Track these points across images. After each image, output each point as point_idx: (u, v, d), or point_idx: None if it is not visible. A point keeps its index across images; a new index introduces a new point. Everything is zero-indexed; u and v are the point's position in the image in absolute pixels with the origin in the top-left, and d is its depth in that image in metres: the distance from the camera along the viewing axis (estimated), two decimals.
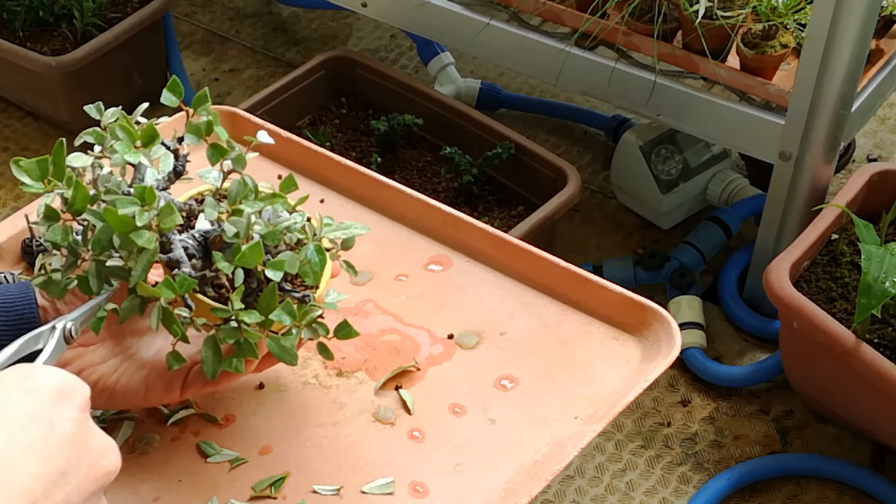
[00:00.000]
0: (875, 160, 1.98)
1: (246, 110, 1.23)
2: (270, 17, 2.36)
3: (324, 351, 0.86)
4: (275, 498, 0.88)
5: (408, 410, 0.94)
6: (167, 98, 0.86)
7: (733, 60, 1.57)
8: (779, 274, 1.45)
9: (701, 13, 1.49)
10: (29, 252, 1.05)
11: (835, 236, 1.56)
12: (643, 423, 1.63)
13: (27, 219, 1.05)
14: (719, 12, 1.51)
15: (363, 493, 0.88)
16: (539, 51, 1.69)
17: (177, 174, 0.86)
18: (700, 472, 1.57)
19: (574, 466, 1.57)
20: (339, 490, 0.88)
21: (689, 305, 1.70)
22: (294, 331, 0.82)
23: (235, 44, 2.30)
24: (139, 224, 0.77)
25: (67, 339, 0.79)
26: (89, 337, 0.85)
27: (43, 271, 0.82)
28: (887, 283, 1.34)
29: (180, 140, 0.86)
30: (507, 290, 1.02)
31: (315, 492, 0.88)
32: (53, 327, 0.79)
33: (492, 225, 1.15)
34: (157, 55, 2.10)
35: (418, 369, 0.96)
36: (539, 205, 1.65)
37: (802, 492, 1.54)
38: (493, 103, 2.08)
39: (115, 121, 0.83)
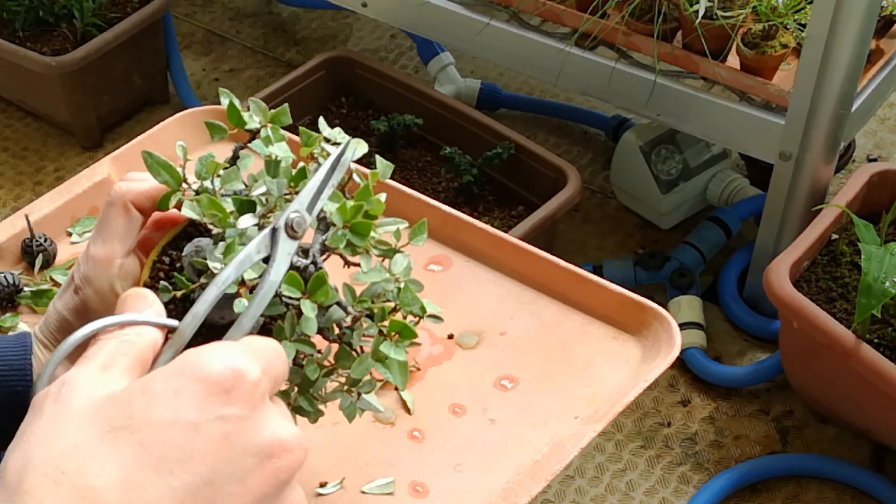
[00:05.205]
0: (875, 160, 1.98)
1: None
2: (270, 17, 2.36)
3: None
4: None
5: (408, 410, 0.93)
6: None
7: (733, 60, 1.57)
8: (779, 274, 1.45)
9: (701, 13, 1.49)
10: (29, 252, 1.06)
11: (835, 236, 1.56)
12: (643, 423, 1.63)
13: (27, 219, 1.05)
14: (719, 12, 1.51)
15: (363, 492, 0.88)
16: (539, 51, 1.69)
17: None
18: (700, 472, 1.57)
19: (574, 466, 1.57)
20: (339, 489, 0.88)
21: (689, 305, 1.70)
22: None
23: (235, 44, 2.30)
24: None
25: (292, 235, 0.66)
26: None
27: None
28: (887, 283, 1.34)
29: None
30: (507, 290, 1.02)
31: (315, 492, 0.88)
32: (274, 229, 0.66)
33: (492, 225, 1.15)
34: (157, 55, 2.10)
35: (418, 369, 0.96)
36: (539, 205, 1.65)
37: (802, 492, 1.54)
38: (493, 103, 2.08)
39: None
